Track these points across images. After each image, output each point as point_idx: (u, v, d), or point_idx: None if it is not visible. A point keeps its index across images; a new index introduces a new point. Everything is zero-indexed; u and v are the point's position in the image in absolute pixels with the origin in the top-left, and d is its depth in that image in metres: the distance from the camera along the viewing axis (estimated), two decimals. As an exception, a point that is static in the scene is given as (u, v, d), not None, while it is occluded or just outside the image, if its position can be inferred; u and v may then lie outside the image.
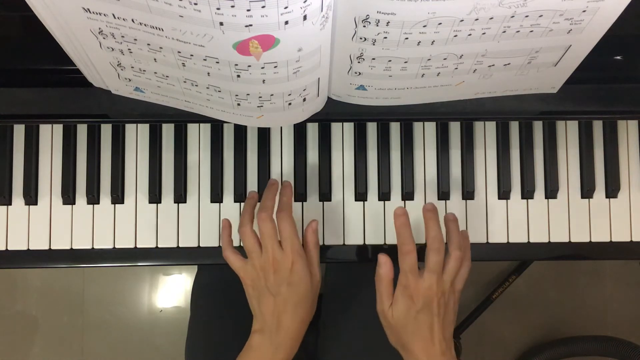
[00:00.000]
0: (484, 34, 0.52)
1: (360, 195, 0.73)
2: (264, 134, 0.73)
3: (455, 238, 0.64)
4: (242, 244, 0.66)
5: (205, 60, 0.52)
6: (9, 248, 0.72)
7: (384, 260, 0.64)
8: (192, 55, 0.52)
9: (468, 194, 0.73)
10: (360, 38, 0.52)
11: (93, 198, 0.72)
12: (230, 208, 0.73)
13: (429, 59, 0.56)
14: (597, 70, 0.65)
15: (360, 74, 0.58)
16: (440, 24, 0.50)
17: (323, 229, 0.73)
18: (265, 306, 0.63)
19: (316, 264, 0.66)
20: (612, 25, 0.52)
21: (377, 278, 0.64)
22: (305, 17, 0.47)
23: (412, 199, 0.73)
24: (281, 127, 0.74)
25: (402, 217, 0.64)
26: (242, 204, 0.73)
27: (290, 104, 0.60)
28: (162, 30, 0.49)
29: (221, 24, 0.46)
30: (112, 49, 0.55)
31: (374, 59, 0.55)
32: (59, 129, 0.73)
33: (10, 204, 0.72)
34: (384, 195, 0.73)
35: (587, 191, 0.74)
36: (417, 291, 0.61)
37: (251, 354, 0.64)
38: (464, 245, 0.65)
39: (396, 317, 0.62)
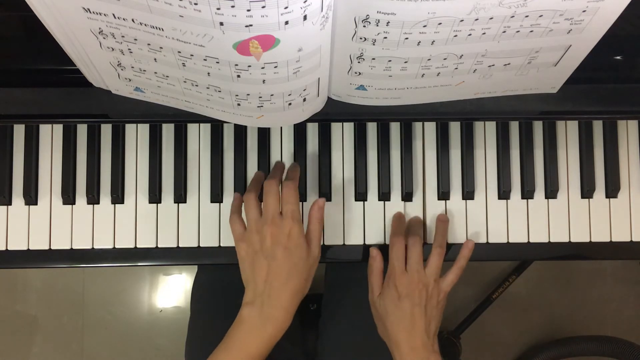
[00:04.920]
0: (484, 34, 0.52)
1: (360, 195, 0.73)
2: (264, 134, 0.73)
3: (439, 237, 0.70)
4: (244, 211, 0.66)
5: (205, 60, 0.52)
6: (9, 248, 0.72)
7: (374, 253, 0.70)
8: (192, 55, 0.52)
9: (468, 194, 0.73)
10: (360, 38, 0.52)
11: (93, 198, 0.72)
12: (230, 208, 0.72)
13: (429, 59, 0.56)
14: (597, 70, 0.65)
15: (360, 74, 0.58)
16: (440, 24, 0.50)
17: (323, 229, 0.73)
18: (258, 271, 0.62)
19: (316, 238, 0.65)
20: (612, 25, 0.52)
21: (369, 270, 0.70)
22: (305, 17, 0.47)
23: (411, 199, 0.73)
24: (281, 127, 0.74)
25: (400, 217, 0.72)
26: (242, 204, 0.73)
27: (290, 104, 0.60)
28: (162, 30, 0.49)
29: (221, 24, 0.46)
30: (112, 49, 0.55)
31: (374, 59, 0.55)
32: (59, 129, 0.73)
33: (10, 204, 0.72)
34: (384, 195, 0.73)
35: (587, 191, 0.74)
36: (401, 281, 0.66)
37: (240, 327, 0.62)
38: (464, 255, 0.69)
39: (382, 306, 0.67)
